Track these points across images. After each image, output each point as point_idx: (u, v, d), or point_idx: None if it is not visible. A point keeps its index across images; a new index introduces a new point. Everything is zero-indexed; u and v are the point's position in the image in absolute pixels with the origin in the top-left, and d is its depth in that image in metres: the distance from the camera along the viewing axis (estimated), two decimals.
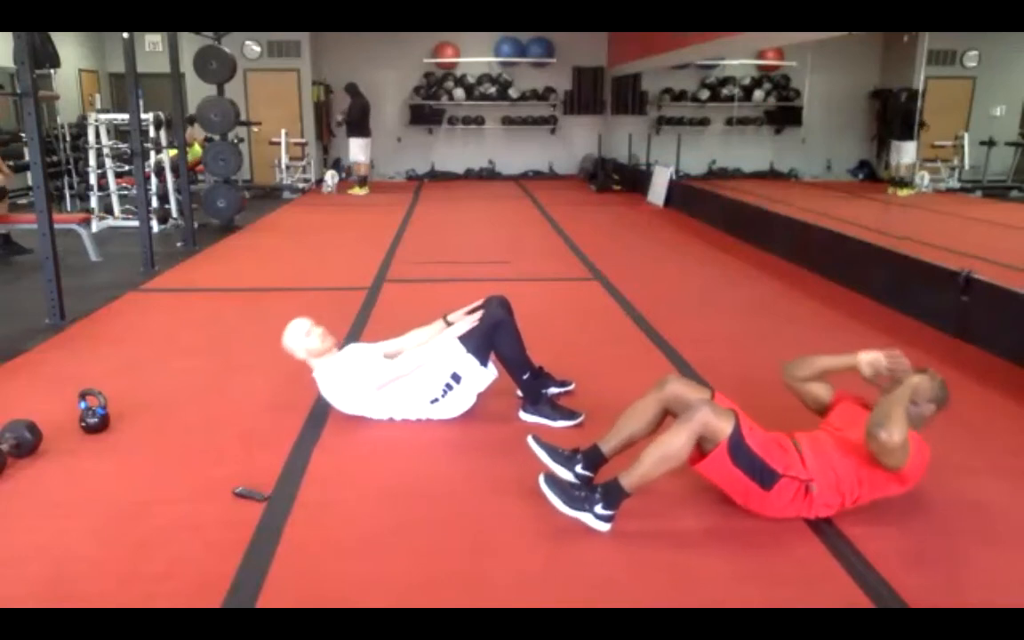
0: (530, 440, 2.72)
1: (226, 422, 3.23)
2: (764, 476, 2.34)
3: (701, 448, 2.37)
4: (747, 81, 13.36)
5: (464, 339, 3.15)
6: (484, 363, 3.17)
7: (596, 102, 13.60)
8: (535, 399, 3.23)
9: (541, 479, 2.45)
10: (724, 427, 2.31)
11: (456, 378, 3.14)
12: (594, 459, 2.62)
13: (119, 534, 2.38)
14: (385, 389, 3.16)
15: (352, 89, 11.32)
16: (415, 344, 3.37)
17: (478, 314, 3.28)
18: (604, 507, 2.35)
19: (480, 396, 3.23)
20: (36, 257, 5.08)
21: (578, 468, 2.61)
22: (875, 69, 13.03)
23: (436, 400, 3.17)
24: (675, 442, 2.32)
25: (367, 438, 3.10)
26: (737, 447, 2.31)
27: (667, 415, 2.59)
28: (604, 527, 2.36)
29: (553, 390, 3.42)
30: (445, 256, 6.94)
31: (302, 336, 3.17)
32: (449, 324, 3.37)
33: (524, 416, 3.23)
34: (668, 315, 4.84)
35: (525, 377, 3.24)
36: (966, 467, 2.84)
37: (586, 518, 2.37)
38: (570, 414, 3.20)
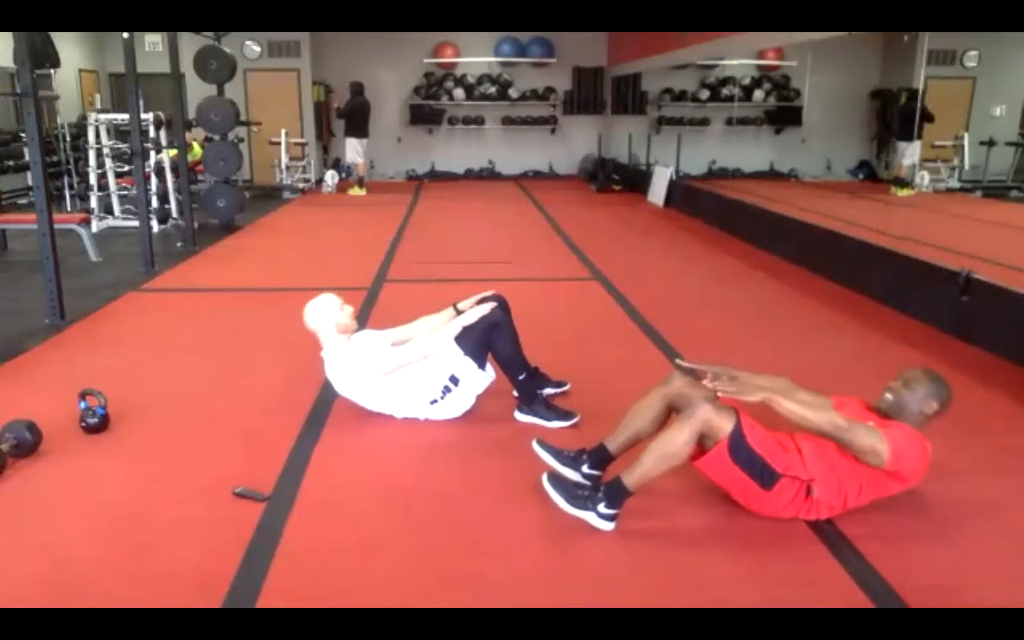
0: (535, 444, 2.72)
1: (226, 422, 3.23)
2: (764, 475, 2.34)
3: (702, 445, 2.37)
4: (747, 81, 13.36)
5: (461, 342, 3.14)
6: (482, 365, 3.17)
7: (596, 102, 13.59)
8: (530, 399, 3.23)
9: (544, 478, 2.46)
10: (725, 425, 2.32)
11: (454, 380, 3.15)
12: (601, 457, 2.62)
13: (119, 534, 2.38)
14: (391, 377, 3.17)
15: (356, 88, 11.27)
16: (425, 331, 3.36)
17: (488, 305, 3.27)
18: (607, 506, 2.36)
19: (479, 397, 3.23)
20: (36, 257, 5.07)
21: (585, 468, 2.62)
22: (875, 69, 13.04)
23: (435, 401, 3.17)
24: (676, 440, 2.32)
25: (367, 438, 3.10)
26: (738, 445, 2.32)
27: (672, 412, 2.60)
28: (608, 526, 2.36)
29: (548, 391, 3.42)
30: (445, 256, 6.94)
31: (336, 309, 3.18)
32: (459, 312, 3.36)
33: (519, 416, 3.23)
34: (668, 315, 4.84)
35: (521, 378, 3.24)
36: (966, 467, 2.84)
37: (589, 517, 2.37)
38: (565, 414, 3.19)
